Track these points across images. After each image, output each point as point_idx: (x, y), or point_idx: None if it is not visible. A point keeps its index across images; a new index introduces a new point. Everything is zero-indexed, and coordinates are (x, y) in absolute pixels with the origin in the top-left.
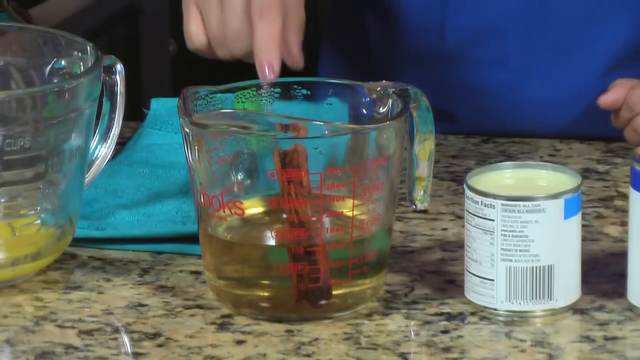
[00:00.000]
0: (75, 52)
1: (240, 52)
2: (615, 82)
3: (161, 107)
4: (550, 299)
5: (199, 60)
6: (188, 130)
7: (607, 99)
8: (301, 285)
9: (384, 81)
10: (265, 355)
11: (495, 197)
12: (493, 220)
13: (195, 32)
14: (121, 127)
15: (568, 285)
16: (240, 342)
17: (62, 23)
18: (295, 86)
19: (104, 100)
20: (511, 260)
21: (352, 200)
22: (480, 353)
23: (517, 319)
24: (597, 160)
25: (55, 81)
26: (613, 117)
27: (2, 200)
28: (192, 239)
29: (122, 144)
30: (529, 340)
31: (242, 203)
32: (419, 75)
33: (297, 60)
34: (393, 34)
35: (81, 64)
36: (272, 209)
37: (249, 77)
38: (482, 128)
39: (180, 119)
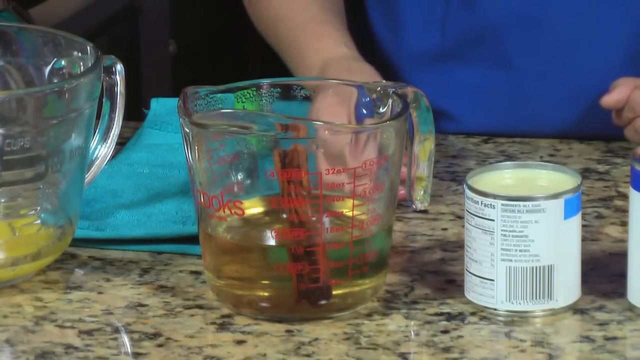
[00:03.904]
0: (75, 52)
1: None
2: (618, 81)
3: (161, 107)
4: (550, 299)
5: (199, 60)
6: (188, 130)
7: (610, 99)
8: (301, 285)
9: (384, 81)
10: (265, 355)
11: (495, 197)
12: (493, 220)
13: None
14: (121, 127)
15: (568, 285)
16: (240, 342)
17: (62, 23)
18: (295, 86)
19: (104, 100)
20: (511, 260)
21: (352, 200)
22: (480, 353)
23: (517, 319)
24: (597, 160)
25: (55, 81)
26: (615, 115)
27: (2, 200)
28: (192, 239)
29: (122, 144)
30: (529, 340)
31: (242, 203)
32: (420, 73)
33: None
34: (395, 31)
35: (81, 64)
36: (272, 209)
37: (249, 77)
38: (482, 128)
39: (180, 119)
